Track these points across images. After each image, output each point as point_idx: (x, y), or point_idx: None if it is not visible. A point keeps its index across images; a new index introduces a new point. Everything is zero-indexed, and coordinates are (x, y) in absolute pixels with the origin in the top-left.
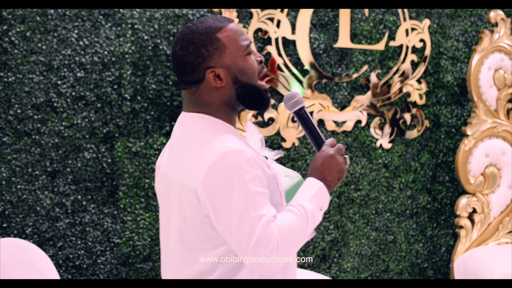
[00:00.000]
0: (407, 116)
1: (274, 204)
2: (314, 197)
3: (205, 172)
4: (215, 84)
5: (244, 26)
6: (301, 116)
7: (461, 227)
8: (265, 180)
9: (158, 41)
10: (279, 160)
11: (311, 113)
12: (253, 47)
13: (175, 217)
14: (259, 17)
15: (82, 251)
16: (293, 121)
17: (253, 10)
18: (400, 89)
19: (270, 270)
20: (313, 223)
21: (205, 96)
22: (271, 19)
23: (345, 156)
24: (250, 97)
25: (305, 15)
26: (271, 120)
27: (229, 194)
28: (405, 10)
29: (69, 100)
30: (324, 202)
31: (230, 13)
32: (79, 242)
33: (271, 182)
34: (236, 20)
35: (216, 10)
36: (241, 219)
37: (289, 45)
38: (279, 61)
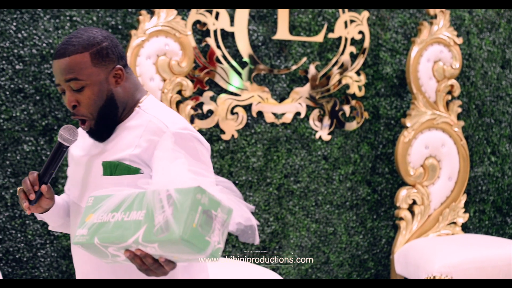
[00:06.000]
0: (346, 108)
1: None
2: None
3: None
4: None
5: (182, 18)
6: (58, 150)
7: (401, 218)
8: None
9: None
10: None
11: (250, 105)
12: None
13: None
14: (197, 9)
15: (22, 244)
16: (232, 113)
17: None
18: (339, 81)
19: None
20: None
21: None
22: (210, 11)
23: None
24: None
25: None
26: (210, 112)
27: None
28: None
29: (7, 92)
30: None
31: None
32: (19, 235)
33: None
34: (175, 12)
35: (156, 10)
36: None
37: (227, 37)
38: (217, 53)
